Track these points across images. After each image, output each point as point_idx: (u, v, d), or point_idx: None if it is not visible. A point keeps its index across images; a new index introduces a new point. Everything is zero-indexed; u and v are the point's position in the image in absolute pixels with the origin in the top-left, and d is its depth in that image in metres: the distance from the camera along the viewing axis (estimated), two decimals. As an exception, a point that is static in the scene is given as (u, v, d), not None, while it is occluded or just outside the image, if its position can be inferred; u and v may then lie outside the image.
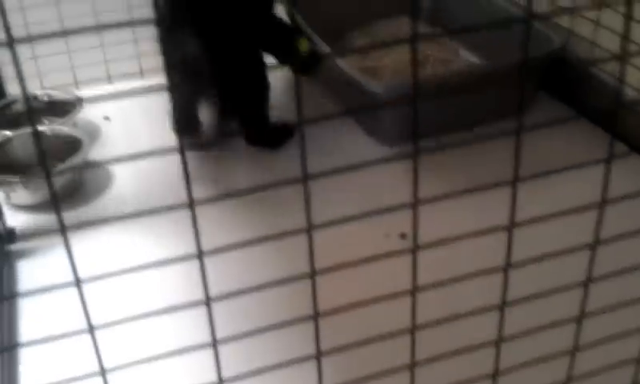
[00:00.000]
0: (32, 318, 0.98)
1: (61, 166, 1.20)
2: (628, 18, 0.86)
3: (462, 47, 1.60)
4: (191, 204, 0.39)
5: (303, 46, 1.36)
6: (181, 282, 0.95)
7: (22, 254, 1.10)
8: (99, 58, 1.52)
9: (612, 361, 0.59)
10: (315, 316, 0.47)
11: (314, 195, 0.44)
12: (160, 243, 1.10)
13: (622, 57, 0.67)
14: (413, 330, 0.50)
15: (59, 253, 1.09)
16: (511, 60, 1.30)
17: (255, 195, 0.82)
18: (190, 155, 1.26)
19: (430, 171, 0.78)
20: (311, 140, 0.49)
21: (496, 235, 0.50)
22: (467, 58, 1.58)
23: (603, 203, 0.51)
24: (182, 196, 0.42)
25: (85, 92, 1.48)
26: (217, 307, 0.46)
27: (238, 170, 1.31)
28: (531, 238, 0.59)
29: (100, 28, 0.33)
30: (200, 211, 0.42)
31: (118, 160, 0.41)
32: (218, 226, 1.06)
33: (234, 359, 0.53)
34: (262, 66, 1.32)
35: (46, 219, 1.18)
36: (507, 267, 0.50)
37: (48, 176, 0.38)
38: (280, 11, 1.37)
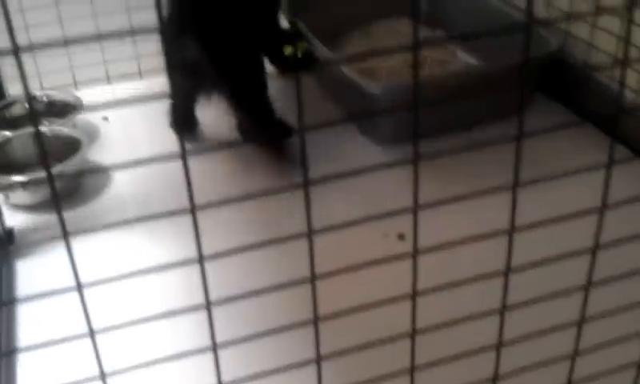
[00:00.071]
0: (30, 319, 0.97)
1: (60, 167, 1.20)
2: (629, 22, 0.86)
3: (459, 49, 1.60)
4: (192, 209, 0.39)
5: (300, 48, 1.37)
6: (180, 285, 0.95)
7: (20, 254, 1.10)
8: (98, 59, 1.52)
9: (612, 365, 0.59)
10: (315, 320, 0.47)
11: (313, 195, 0.44)
12: (160, 244, 1.10)
13: (624, 62, 0.67)
14: (413, 334, 0.50)
15: (58, 253, 1.10)
16: (509, 62, 1.30)
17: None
18: (192, 158, 1.26)
19: (430, 172, 0.78)
20: (310, 140, 0.49)
21: (496, 239, 0.50)
22: (465, 59, 1.58)
23: (604, 207, 0.51)
24: (182, 195, 0.42)
25: (84, 93, 1.48)
26: (217, 311, 0.46)
27: (238, 172, 1.31)
28: (531, 241, 0.59)
29: (101, 37, 0.33)
30: (200, 214, 0.42)
31: (121, 166, 0.41)
32: (218, 228, 1.05)
33: (234, 363, 0.53)
34: (262, 66, 1.33)
35: (45, 219, 1.18)
36: (507, 271, 0.49)
37: (50, 178, 0.38)
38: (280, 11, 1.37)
